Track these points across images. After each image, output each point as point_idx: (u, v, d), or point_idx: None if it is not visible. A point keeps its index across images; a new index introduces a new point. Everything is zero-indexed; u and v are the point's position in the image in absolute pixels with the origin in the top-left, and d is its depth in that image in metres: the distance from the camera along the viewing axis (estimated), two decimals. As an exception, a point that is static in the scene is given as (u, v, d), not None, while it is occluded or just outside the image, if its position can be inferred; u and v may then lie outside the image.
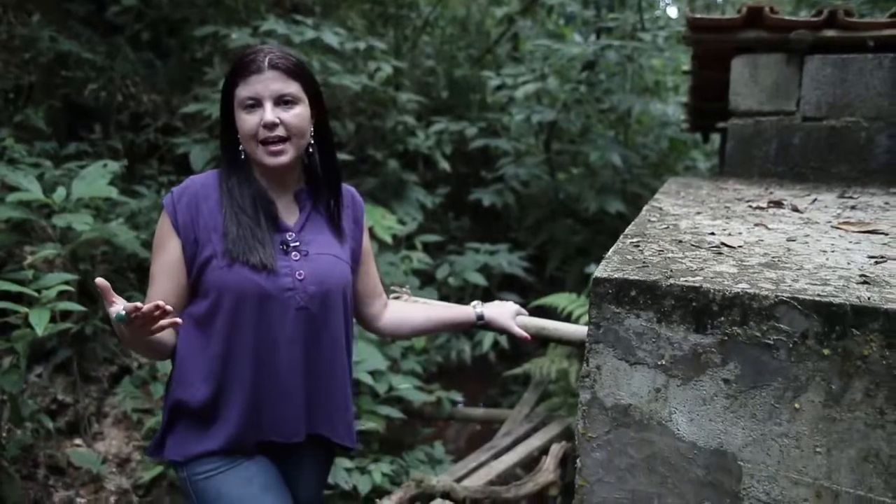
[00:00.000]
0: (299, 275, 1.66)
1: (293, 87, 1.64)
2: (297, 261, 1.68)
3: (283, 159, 1.63)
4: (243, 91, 1.61)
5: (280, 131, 1.61)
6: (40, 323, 2.51)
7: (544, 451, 4.07)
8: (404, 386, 4.00)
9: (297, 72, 1.65)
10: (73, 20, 5.06)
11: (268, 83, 1.61)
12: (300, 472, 1.80)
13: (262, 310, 1.62)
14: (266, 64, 1.61)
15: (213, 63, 5.28)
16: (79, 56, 4.72)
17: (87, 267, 3.77)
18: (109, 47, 5.10)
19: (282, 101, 1.62)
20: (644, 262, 1.35)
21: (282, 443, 1.70)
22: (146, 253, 3.79)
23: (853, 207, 2.13)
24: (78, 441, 3.46)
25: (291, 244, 1.69)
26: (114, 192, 3.34)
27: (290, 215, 1.73)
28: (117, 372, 3.76)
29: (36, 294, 2.72)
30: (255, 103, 1.61)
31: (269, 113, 1.60)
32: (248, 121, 1.61)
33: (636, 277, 1.24)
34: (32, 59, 4.56)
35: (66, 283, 2.88)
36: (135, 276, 4.11)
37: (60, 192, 3.31)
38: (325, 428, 1.75)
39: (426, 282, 5.38)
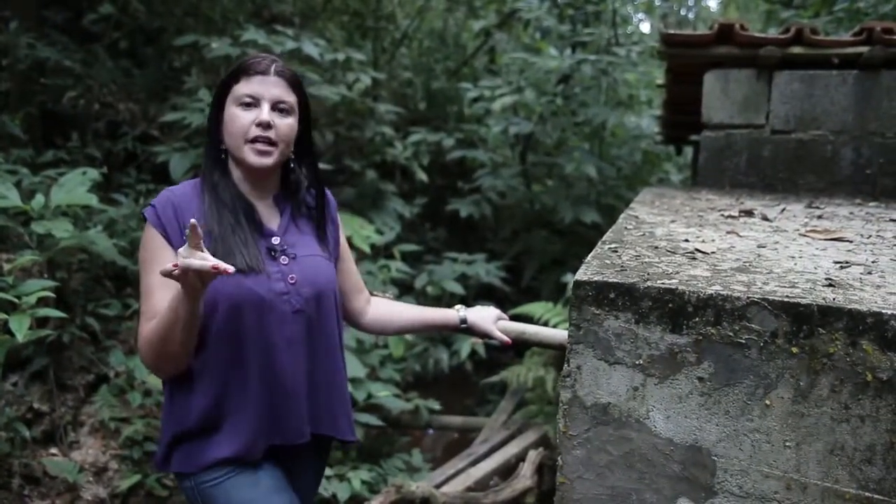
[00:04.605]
0: (291, 279, 1.68)
1: (291, 98, 1.68)
2: (286, 265, 1.69)
3: (268, 161, 1.65)
4: (244, 88, 1.64)
5: (271, 134, 1.64)
6: (20, 329, 2.50)
7: (521, 458, 4.11)
8: (383, 394, 4.03)
9: (296, 85, 1.70)
10: (50, 28, 5.04)
11: (269, 87, 1.65)
12: (301, 474, 1.82)
13: (260, 316, 1.63)
14: (272, 69, 1.66)
15: (192, 72, 5.28)
16: (56, 63, 4.70)
17: (64, 275, 3.75)
18: (87, 55, 5.08)
19: (278, 107, 1.66)
20: (622, 267, 1.40)
21: (287, 445, 1.71)
22: (125, 261, 3.78)
23: (820, 216, 2.21)
24: (54, 450, 3.43)
25: (278, 248, 1.70)
26: (94, 200, 3.33)
27: (271, 219, 1.74)
28: (94, 380, 3.73)
29: (15, 300, 2.70)
30: (253, 102, 1.64)
31: (266, 113, 1.63)
32: (241, 117, 1.63)
33: (615, 280, 1.29)
34: (9, 67, 4.54)
35: (45, 290, 2.87)
36: (112, 284, 4.10)
37: (39, 199, 3.29)
38: (330, 427, 1.78)
39: (404, 291, 5.41)
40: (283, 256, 1.70)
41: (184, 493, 1.72)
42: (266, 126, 1.63)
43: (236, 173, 1.71)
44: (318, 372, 1.74)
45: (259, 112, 1.63)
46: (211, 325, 1.62)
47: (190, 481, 1.67)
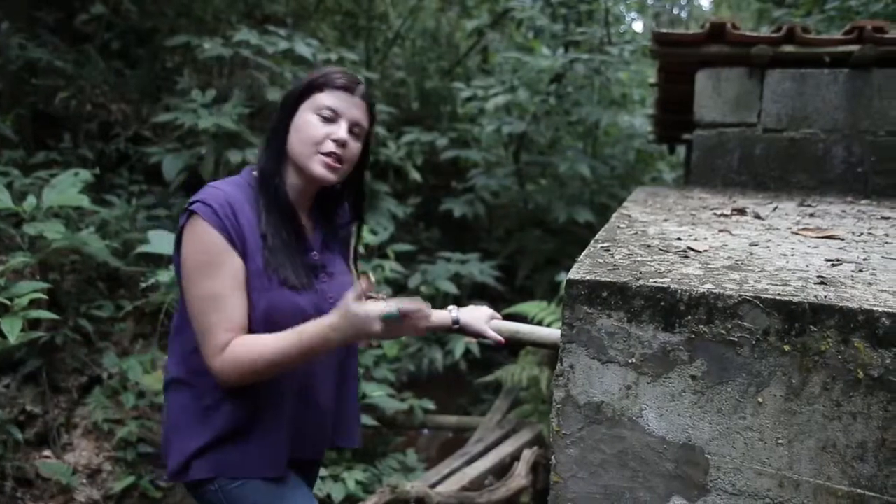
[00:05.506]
0: (330, 298, 1.66)
1: (365, 124, 1.67)
2: (325, 283, 1.68)
3: (333, 176, 1.63)
4: (327, 99, 1.61)
5: (344, 153, 1.62)
6: (13, 331, 2.49)
7: (516, 457, 4.12)
8: (378, 394, 4.02)
9: (373, 114, 1.70)
10: (41, 28, 5.02)
11: (352, 107, 1.63)
12: (305, 475, 1.83)
13: None
14: (359, 91, 1.64)
15: (184, 73, 5.27)
16: (48, 64, 4.68)
17: (56, 276, 3.74)
18: (79, 56, 5.06)
19: (353, 129, 1.64)
20: (615, 265, 1.40)
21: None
22: (117, 262, 3.77)
23: (812, 215, 2.22)
24: (47, 452, 3.42)
25: (319, 266, 1.69)
26: (86, 201, 3.32)
27: (308, 232, 1.73)
28: (87, 382, 3.72)
29: (7, 302, 2.69)
30: (333, 116, 1.61)
31: (344, 131, 1.61)
32: (318, 127, 1.61)
33: (608, 279, 1.29)
34: (0, 67, 4.52)
35: (37, 291, 2.86)
36: (105, 285, 4.08)
37: (31, 200, 3.28)
38: (345, 438, 1.80)
39: (398, 291, 5.41)
40: (322, 274, 1.69)
41: (201, 498, 1.67)
42: (342, 145, 1.61)
43: (290, 180, 1.67)
44: (343, 387, 1.76)
45: (337, 128, 1.61)
46: None
47: (213, 485, 1.63)
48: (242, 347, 1.51)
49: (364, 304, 1.44)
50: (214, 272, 1.53)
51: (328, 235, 1.75)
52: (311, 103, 1.62)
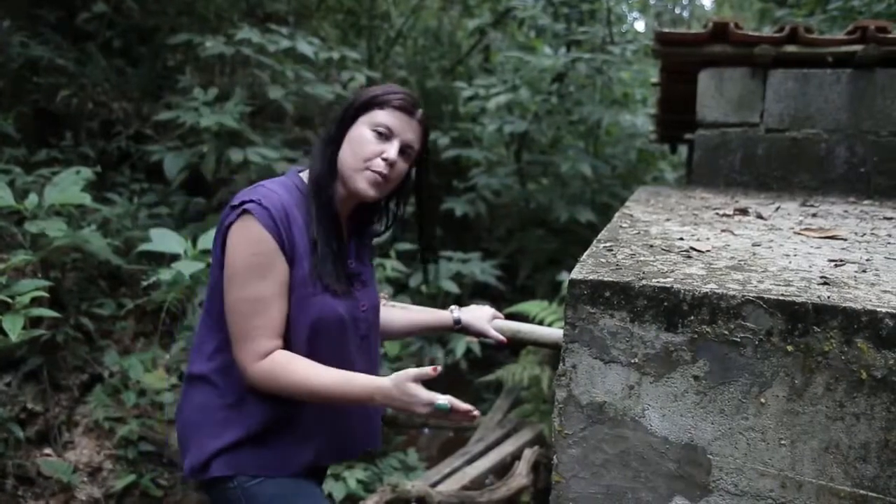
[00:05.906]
0: (363, 306, 1.70)
1: (417, 147, 1.69)
2: (359, 291, 1.71)
3: (375, 193, 1.64)
4: (385, 117, 1.63)
5: (391, 173, 1.63)
6: (14, 329, 2.49)
7: (517, 456, 4.11)
8: (378, 393, 4.02)
9: (426, 138, 1.71)
10: (43, 26, 5.02)
11: (408, 129, 1.64)
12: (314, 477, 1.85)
13: (341, 340, 1.64)
14: (417, 115, 1.66)
15: (186, 71, 5.27)
16: (49, 62, 4.68)
17: (58, 274, 3.74)
18: (80, 54, 5.07)
19: (405, 150, 1.65)
20: (617, 265, 1.40)
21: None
22: (119, 260, 3.77)
23: (814, 215, 2.22)
24: (48, 450, 3.42)
25: (354, 274, 1.71)
26: (88, 199, 3.32)
27: (345, 240, 1.75)
28: (88, 380, 3.72)
29: (8, 300, 2.69)
30: (388, 135, 1.62)
31: (395, 151, 1.62)
32: (372, 143, 1.62)
33: (610, 279, 1.29)
34: (2, 65, 4.52)
35: (38, 289, 2.86)
36: (106, 283, 4.08)
37: (32, 198, 3.28)
38: (374, 442, 1.83)
39: (399, 290, 5.41)
40: (357, 283, 1.71)
41: (218, 495, 1.68)
42: (391, 165, 1.62)
43: (336, 188, 1.68)
44: None
45: (389, 147, 1.61)
46: (301, 344, 1.60)
47: (233, 482, 1.64)
48: (286, 368, 1.54)
49: (420, 386, 1.49)
50: (264, 274, 1.54)
51: (359, 244, 1.78)
52: (368, 118, 1.63)
